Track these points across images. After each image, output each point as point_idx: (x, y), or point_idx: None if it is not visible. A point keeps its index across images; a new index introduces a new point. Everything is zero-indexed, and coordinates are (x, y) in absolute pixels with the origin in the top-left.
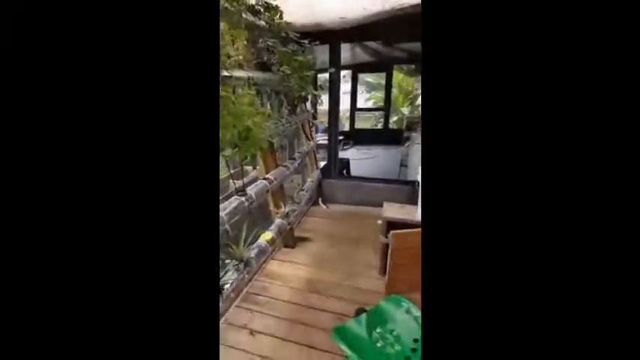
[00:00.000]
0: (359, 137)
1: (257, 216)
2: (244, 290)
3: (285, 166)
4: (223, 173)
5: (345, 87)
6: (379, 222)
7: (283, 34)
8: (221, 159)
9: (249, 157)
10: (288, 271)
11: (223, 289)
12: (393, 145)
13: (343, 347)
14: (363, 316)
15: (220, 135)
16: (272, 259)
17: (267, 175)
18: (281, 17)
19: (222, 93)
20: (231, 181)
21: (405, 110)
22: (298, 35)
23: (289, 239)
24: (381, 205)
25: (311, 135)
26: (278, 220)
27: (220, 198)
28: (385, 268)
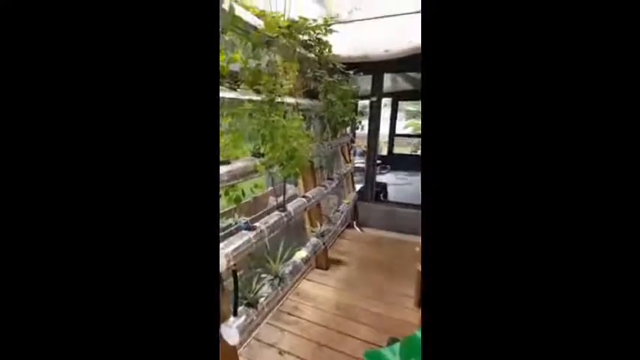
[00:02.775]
0: (397, 162)
1: (293, 233)
2: (276, 308)
3: (324, 185)
4: (264, 189)
5: (385, 113)
6: (417, 249)
7: (330, 65)
8: (264, 176)
9: (292, 175)
10: (320, 292)
11: (258, 303)
12: None
13: None
14: (397, 344)
15: (270, 154)
16: (305, 278)
17: (305, 194)
18: (330, 50)
19: (274, 117)
20: (271, 197)
21: None
22: (344, 66)
23: (323, 260)
24: (417, 233)
25: (349, 158)
26: (313, 239)
27: (261, 212)
28: (421, 300)
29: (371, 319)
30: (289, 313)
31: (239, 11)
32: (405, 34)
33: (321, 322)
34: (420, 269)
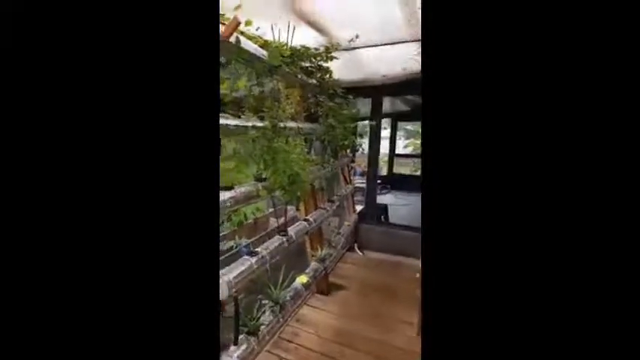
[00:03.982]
0: (397, 182)
1: (294, 256)
2: (276, 335)
3: (324, 208)
4: (264, 211)
5: (384, 132)
6: (418, 275)
7: (331, 90)
8: (265, 199)
9: (293, 199)
10: (321, 318)
11: (259, 331)
12: None
13: None
14: None
15: (272, 179)
16: (305, 304)
17: (307, 217)
18: (330, 76)
19: (276, 144)
20: (272, 218)
21: None
22: (344, 90)
23: (323, 285)
24: (418, 256)
25: (349, 178)
26: (314, 264)
27: (261, 235)
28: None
29: (372, 347)
30: (289, 340)
31: (243, 42)
32: (402, 61)
33: (322, 350)
34: (419, 295)
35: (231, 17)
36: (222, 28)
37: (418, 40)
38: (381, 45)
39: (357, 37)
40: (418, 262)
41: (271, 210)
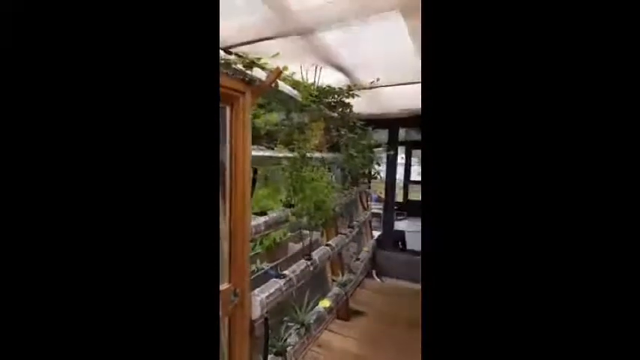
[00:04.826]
0: (413, 209)
1: (316, 281)
2: (300, 358)
3: (344, 233)
4: (286, 235)
5: (399, 159)
6: None
7: (351, 123)
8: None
9: (319, 225)
10: (342, 345)
11: (286, 352)
12: None
13: None
14: None
15: (300, 205)
16: (326, 329)
17: (328, 242)
18: (351, 110)
19: (304, 173)
20: (290, 243)
21: None
22: (364, 122)
23: (343, 311)
24: None
25: (367, 204)
26: (335, 289)
27: (286, 258)
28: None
29: None
30: None
31: (280, 85)
32: (417, 97)
33: None
34: None
35: (269, 62)
36: (266, 76)
37: None
38: (400, 84)
39: (377, 79)
40: None
41: (289, 234)
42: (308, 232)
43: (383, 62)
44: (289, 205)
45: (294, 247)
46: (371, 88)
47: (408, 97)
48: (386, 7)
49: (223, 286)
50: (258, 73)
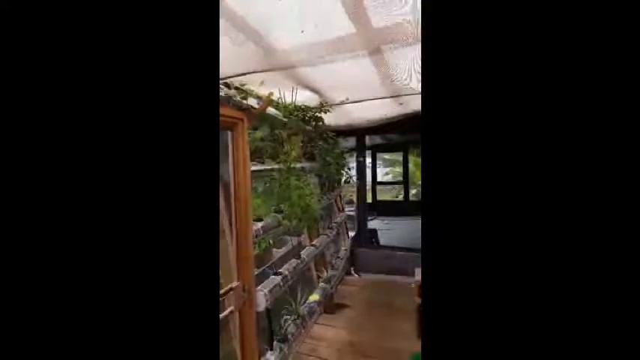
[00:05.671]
0: (381, 208)
1: (305, 278)
2: (295, 350)
3: (326, 234)
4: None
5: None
6: (413, 285)
7: (324, 135)
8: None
9: (306, 226)
10: (332, 334)
11: (287, 339)
12: (416, 215)
13: None
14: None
15: (289, 211)
16: (315, 323)
17: (313, 242)
18: (323, 123)
19: (292, 181)
20: (275, 249)
21: None
22: (334, 133)
23: (328, 305)
24: (410, 274)
25: (342, 206)
26: (322, 284)
27: (278, 259)
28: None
29: (381, 352)
30: (308, 354)
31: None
32: (381, 109)
33: (339, 359)
34: (418, 302)
35: (255, 89)
36: (258, 104)
37: (393, 96)
38: (364, 100)
39: (347, 99)
40: (410, 279)
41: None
42: (288, 237)
43: (350, 83)
44: (279, 212)
45: (278, 251)
46: (342, 104)
47: (372, 110)
48: (357, 48)
49: (235, 284)
50: (250, 100)
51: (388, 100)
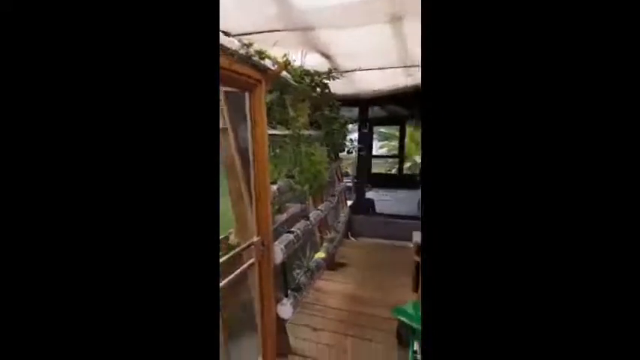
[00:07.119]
0: (377, 181)
1: (311, 238)
2: (302, 300)
3: (330, 200)
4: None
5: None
6: (411, 245)
7: (330, 103)
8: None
9: (316, 192)
10: (334, 287)
11: (300, 288)
12: (409, 187)
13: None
14: (417, 303)
15: (300, 176)
16: (318, 278)
17: (318, 207)
18: (329, 91)
19: (303, 148)
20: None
21: (418, 158)
22: (340, 102)
23: (330, 263)
24: (404, 239)
25: (341, 177)
26: (325, 244)
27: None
28: (417, 285)
29: (379, 302)
30: (314, 304)
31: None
32: (390, 79)
33: (341, 307)
34: (417, 260)
35: (269, 50)
36: (275, 66)
37: (406, 66)
38: (376, 69)
39: (359, 68)
40: (405, 244)
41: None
42: (294, 203)
43: (364, 50)
44: (291, 177)
45: (282, 216)
46: (352, 71)
47: (382, 80)
48: (378, 13)
49: (255, 239)
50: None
51: (399, 70)
